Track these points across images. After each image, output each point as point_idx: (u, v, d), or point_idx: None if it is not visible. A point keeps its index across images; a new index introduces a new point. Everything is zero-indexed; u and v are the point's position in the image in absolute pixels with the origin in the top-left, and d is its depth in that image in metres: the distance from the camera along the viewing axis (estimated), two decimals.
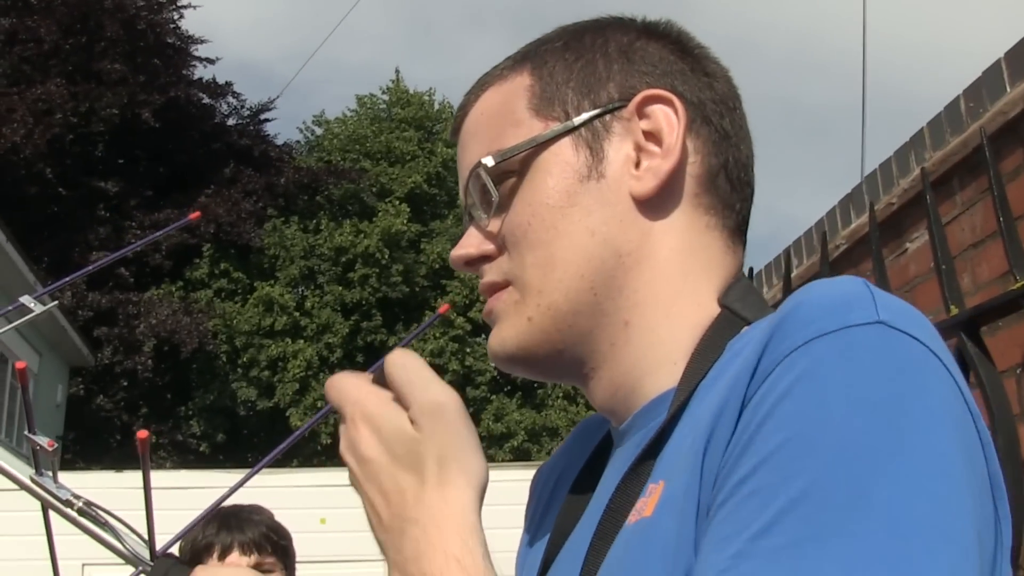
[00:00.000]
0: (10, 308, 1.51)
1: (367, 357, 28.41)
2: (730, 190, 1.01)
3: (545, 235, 0.97)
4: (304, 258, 28.77)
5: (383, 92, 34.24)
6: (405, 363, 0.89)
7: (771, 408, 0.74)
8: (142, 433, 1.13)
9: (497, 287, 1.02)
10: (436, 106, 33.84)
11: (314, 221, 29.38)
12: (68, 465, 18.69)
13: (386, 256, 28.58)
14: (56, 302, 1.58)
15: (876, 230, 3.14)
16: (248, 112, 29.41)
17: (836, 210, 3.67)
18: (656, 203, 0.98)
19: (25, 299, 1.50)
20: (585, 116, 0.99)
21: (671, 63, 1.02)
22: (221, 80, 28.39)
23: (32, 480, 1.26)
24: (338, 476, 7.01)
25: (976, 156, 2.77)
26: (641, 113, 0.99)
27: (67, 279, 1.99)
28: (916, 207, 3.09)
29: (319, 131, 33.87)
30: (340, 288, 28.63)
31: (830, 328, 0.75)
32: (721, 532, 0.74)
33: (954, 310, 2.72)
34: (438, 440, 0.86)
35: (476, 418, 27.57)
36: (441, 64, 57.22)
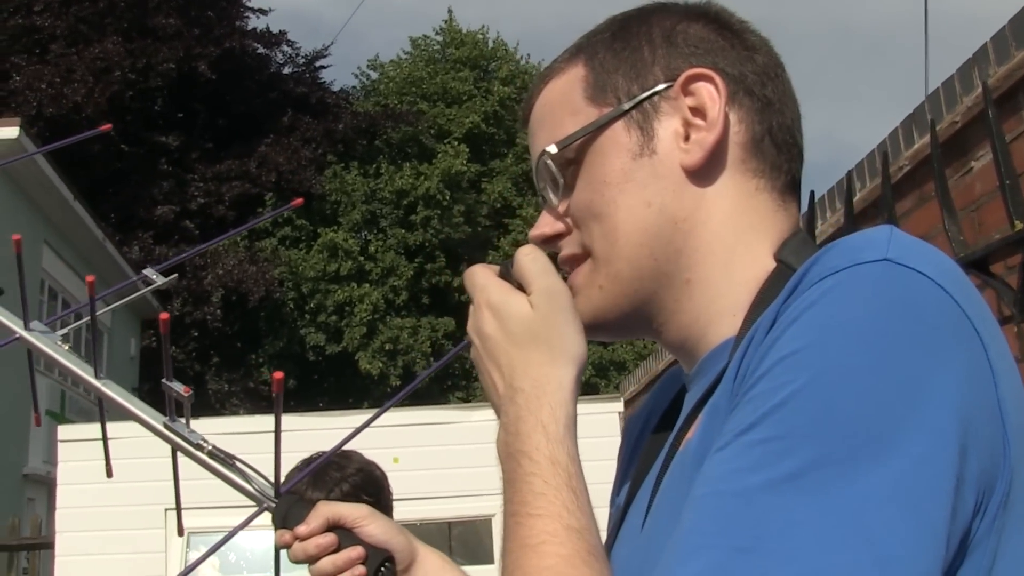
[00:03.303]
0: (135, 279, 1.59)
1: (432, 299, 28.57)
2: (776, 153, 1.09)
3: (607, 209, 1.07)
4: (366, 203, 28.90)
5: (436, 33, 34.17)
6: (533, 255, 1.07)
7: (781, 332, 0.83)
8: (277, 374, 1.21)
9: (576, 258, 1.12)
10: (490, 44, 33.68)
11: (374, 165, 29.46)
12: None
13: (447, 197, 28.62)
14: (175, 276, 1.66)
15: (938, 149, 3.10)
16: (303, 60, 29.49)
17: (898, 131, 3.61)
18: (705, 172, 1.06)
19: (148, 271, 1.58)
20: (634, 100, 1.08)
21: (712, 42, 1.10)
22: (274, 29, 28.47)
23: (165, 426, 1.33)
24: (410, 416, 7.11)
25: None
26: (686, 91, 1.07)
27: (187, 255, 2.07)
28: (980, 125, 3.04)
29: (374, 75, 33.90)
30: (403, 231, 28.76)
31: (841, 267, 0.83)
32: (723, 433, 0.83)
33: (1019, 226, 2.68)
34: (549, 320, 1.03)
35: None
36: (493, 2, 56.83)
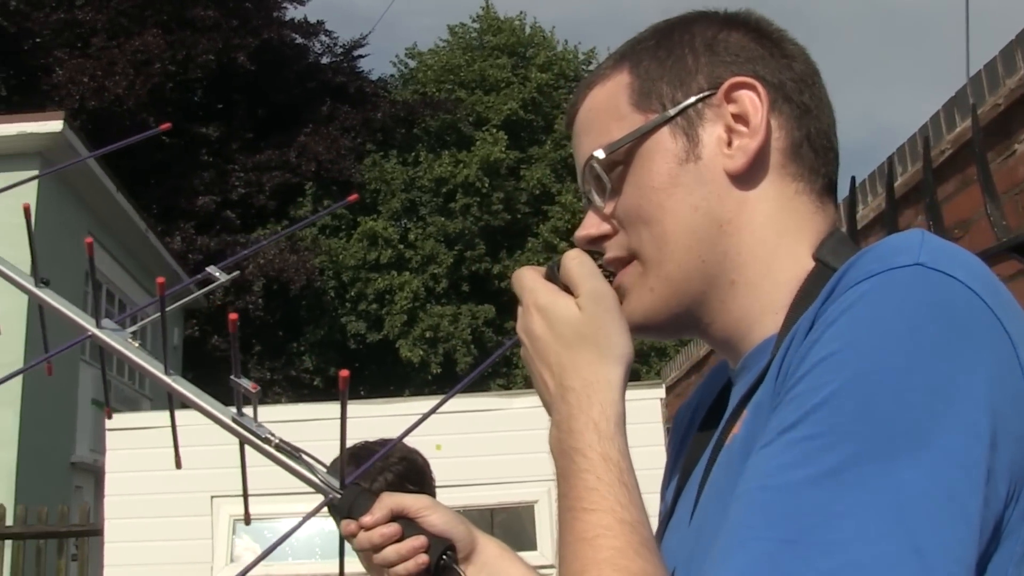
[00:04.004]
0: (198, 277, 1.63)
1: (472, 286, 28.61)
2: (814, 157, 1.13)
3: (655, 213, 1.11)
4: (405, 191, 28.97)
5: (473, 20, 34.14)
6: (580, 259, 1.11)
7: (820, 335, 0.87)
8: (343, 372, 1.24)
9: (622, 261, 1.16)
10: (527, 31, 33.62)
11: (413, 154, 29.52)
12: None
13: (486, 185, 28.64)
14: (238, 271, 1.69)
15: (979, 133, 3.08)
16: (341, 49, 29.59)
17: (940, 114, 3.58)
18: (748, 176, 1.10)
19: (211, 269, 1.62)
20: (679, 106, 1.12)
21: (752, 50, 1.14)
22: (312, 19, 28.58)
23: (234, 420, 1.37)
24: (452, 404, 7.10)
25: None
26: (728, 98, 1.11)
27: (247, 252, 2.10)
28: (1023, 107, 3.02)
29: (412, 64, 33.93)
30: (442, 219, 28.81)
31: (876, 271, 0.87)
32: (767, 430, 0.87)
33: None
34: (597, 322, 1.07)
35: None
36: None
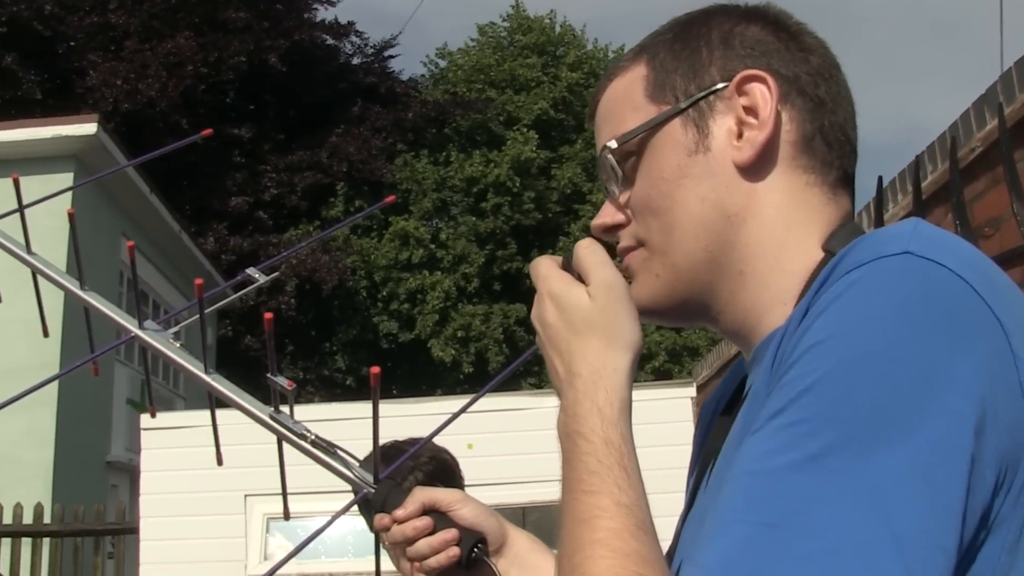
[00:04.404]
0: (237, 279, 1.68)
1: (504, 285, 28.64)
2: (827, 150, 1.13)
3: (663, 203, 1.13)
4: (436, 191, 29.03)
5: (503, 19, 34.17)
6: (592, 247, 1.13)
7: (811, 323, 0.89)
8: (375, 369, 1.28)
9: (631, 250, 1.18)
10: (557, 30, 33.62)
11: (443, 153, 29.58)
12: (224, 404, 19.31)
13: (517, 184, 28.66)
14: (277, 273, 1.72)
15: (1005, 132, 3.07)
16: (372, 50, 29.66)
17: (970, 112, 3.57)
18: (757, 168, 1.11)
19: (250, 270, 1.67)
20: (691, 99, 1.14)
21: (768, 43, 1.15)
22: (343, 20, 28.67)
23: (272, 417, 1.41)
24: (483, 403, 7.13)
25: None
26: (740, 91, 1.12)
27: (285, 254, 2.14)
28: None
29: (443, 64, 33.98)
30: (473, 218, 28.85)
31: (866, 260, 0.89)
32: (759, 417, 0.89)
33: None
34: (607, 310, 1.08)
35: None
36: None
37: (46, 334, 1.76)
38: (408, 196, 28.68)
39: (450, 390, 25.04)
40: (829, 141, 1.13)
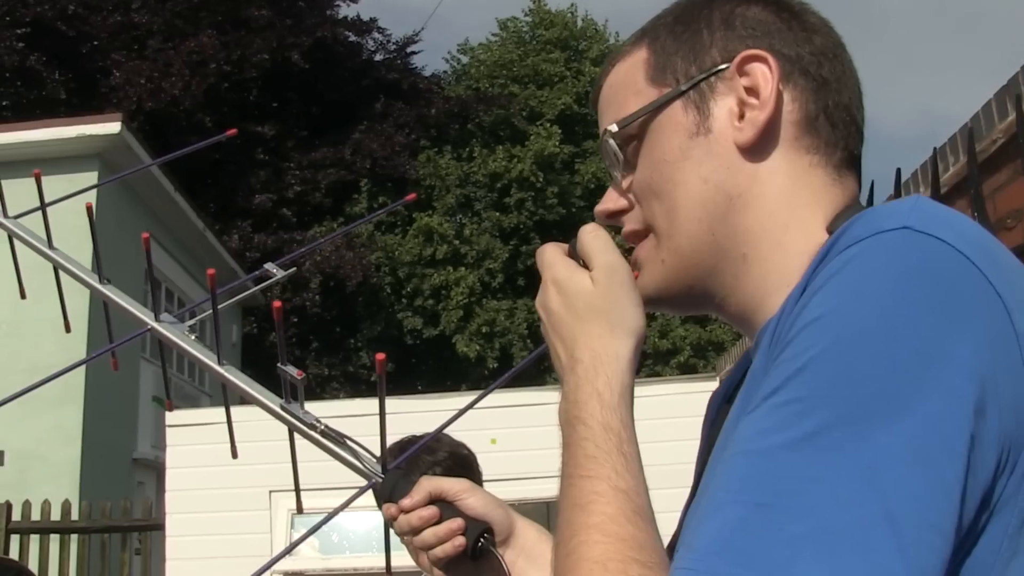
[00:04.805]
0: (255, 274, 1.69)
1: (528, 280, 28.63)
2: (831, 130, 1.11)
3: (666, 187, 1.12)
4: (460, 186, 29.04)
5: (525, 14, 34.12)
6: (595, 233, 1.14)
7: (808, 300, 0.88)
8: (380, 355, 1.30)
9: (638, 235, 1.18)
10: (579, 24, 33.57)
11: (467, 149, 29.58)
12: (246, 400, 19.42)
13: (540, 179, 28.64)
14: (295, 268, 1.74)
15: (1023, 123, 3.05)
16: (394, 46, 29.70)
17: (992, 103, 3.55)
18: (758, 149, 1.09)
19: (268, 266, 1.68)
20: (692, 81, 1.12)
21: (770, 24, 1.13)
22: (365, 17, 28.71)
23: (282, 408, 1.42)
24: (507, 397, 7.15)
25: None
26: (741, 72, 1.11)
27: (303, 250, 2.15)
28: None
29: (465, 59, 33.99)
30: (497, 214, 28.85)
31: (864, 236, 0.88)
32: (755, 397, 0.88)
33: None
34: (609, 295, 1.09)
35: None
36: None
37: (68, 329, 1.78)
38: (432, 192, 28.70)
39: (475, 385, 25.03)
40: (833, 122, 1.11)
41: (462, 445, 2.71)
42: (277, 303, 1.36)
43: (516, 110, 30.08)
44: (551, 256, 1.15)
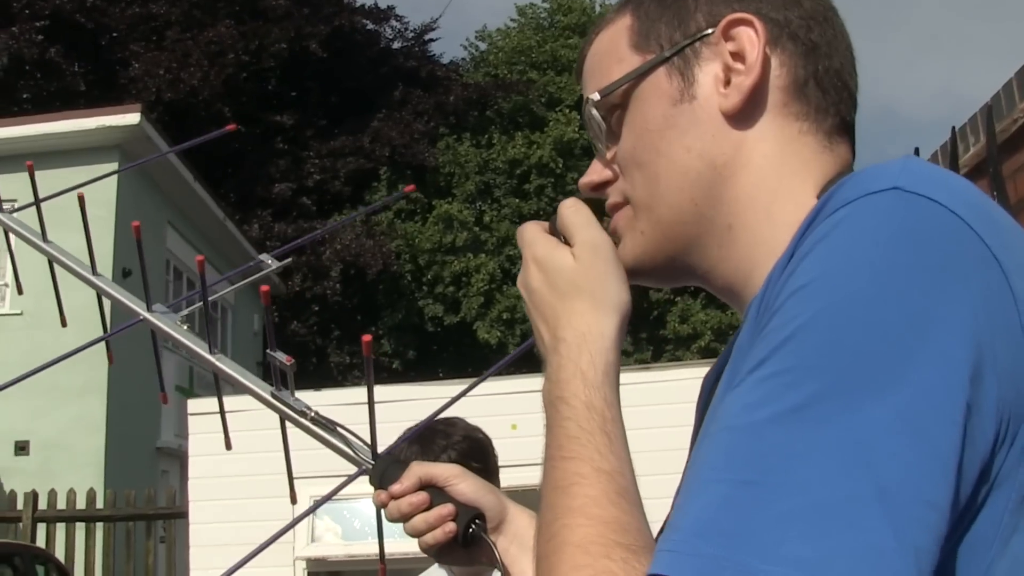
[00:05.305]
0: (249, 264, 1.70)
1: None
2: (822, 96, 1.06)
3: (647, 156, 1.07)
4: (479, 173, 29.03)
5: (543, 0, 34.03)
6: (575, 207, 1.10)
7: (795, 267, 0.83)
8: (366, 337, 1.28)
9: (618, 207, 1.12)
10: (598, 9, 33.47)
11: (486, 136, 29.57)
12: None
13: (560, 165, 28.61)
14: (290, 259, 1.75)
15: None
16: (412, 34, 29.72)
17: (1013, 83, 3.54)
18: (744, 116, 1.04)
19: (264, 257, 1.69)
20: (676, 47, 1.07)
21: None
22: (382, 5, 28.71)
23: (273, 395, 1.43)
24: (527, 383, 7.14)
25: None
26: (727, 36, 1.05)
27: (300, 242, 2.17)
28: None
29: (483, 46, 33.95)
30: (517, 200, 28.83)
31: (852, 198, 0.83)
32: (740, 371, 0.83)
33: None
34: (592, 271, 1.05)
35: (661, 320, 27.55)
36: None
37: (64, 324, 1.79)
38: (451, 179, 28.71)
39: (497, 372, 25.07)
40: (824, 87, 1.06)
41: (477, 429, 2.70)
42: (265, 287, 1.36)
43: (535, 96, 30.04)
44: (531, 234, 1.11)
